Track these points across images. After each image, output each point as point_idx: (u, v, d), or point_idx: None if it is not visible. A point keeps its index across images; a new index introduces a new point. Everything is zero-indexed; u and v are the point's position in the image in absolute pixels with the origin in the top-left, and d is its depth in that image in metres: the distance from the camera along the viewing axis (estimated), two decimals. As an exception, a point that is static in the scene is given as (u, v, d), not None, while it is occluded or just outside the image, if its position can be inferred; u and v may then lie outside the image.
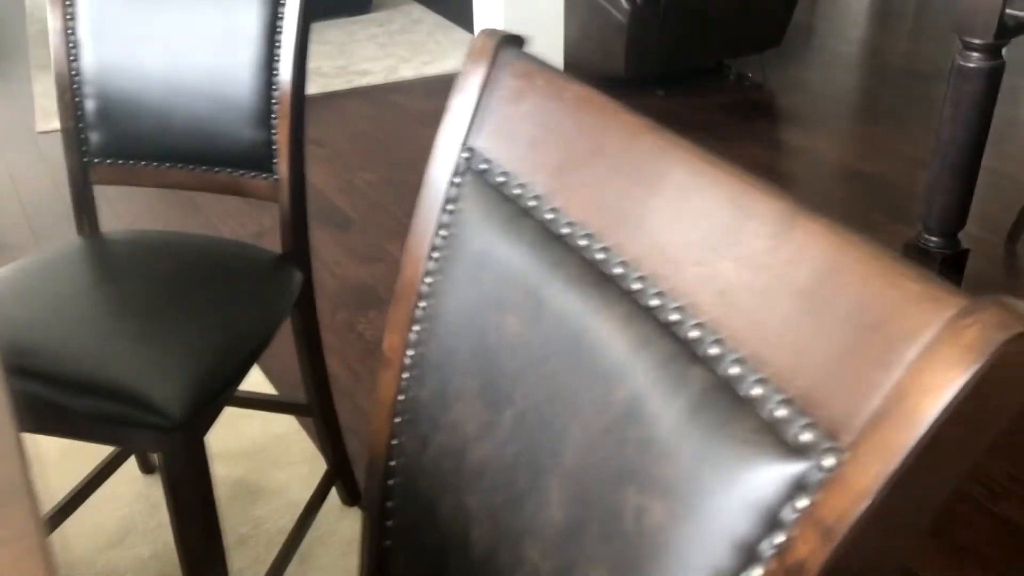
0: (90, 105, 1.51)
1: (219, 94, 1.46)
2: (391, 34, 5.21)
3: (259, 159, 1.48)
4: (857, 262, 0.41)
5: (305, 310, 1.57)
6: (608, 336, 0.52)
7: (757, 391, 0.43)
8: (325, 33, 5.24)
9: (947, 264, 2.37)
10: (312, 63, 4.72)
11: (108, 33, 1.48)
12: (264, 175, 1.48)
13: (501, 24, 3.43)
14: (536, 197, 0.62)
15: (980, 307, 0.33)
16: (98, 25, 1.48)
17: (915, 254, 2.43)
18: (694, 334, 0.48)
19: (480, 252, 0.63)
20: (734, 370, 0.45)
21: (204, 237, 1.56)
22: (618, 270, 0.55)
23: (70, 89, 1.50)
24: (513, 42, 0.66)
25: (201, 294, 1.38)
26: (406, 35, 5.19)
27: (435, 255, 0.68)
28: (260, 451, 1.98)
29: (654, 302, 0.51)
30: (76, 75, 1.50)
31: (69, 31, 1.49)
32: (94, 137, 1.52)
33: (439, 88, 4.26)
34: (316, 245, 2.87)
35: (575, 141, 0.61)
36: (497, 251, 0.62)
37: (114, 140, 1.52)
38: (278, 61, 1.43)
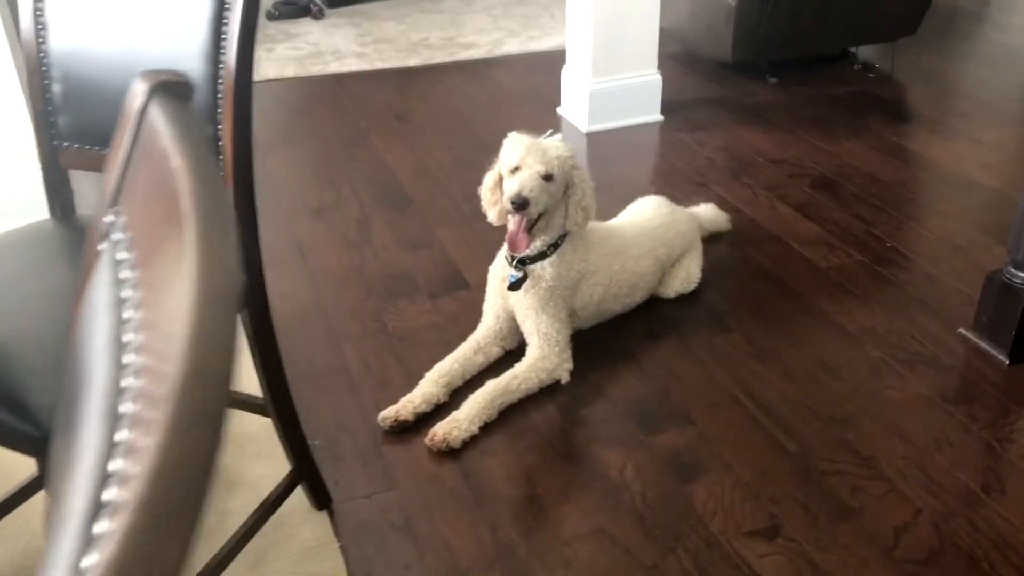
0: (57, 88, 1.49)
1: (170, 85, 1.40)
2: (507, 5, 5.09)
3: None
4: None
5: (256, 314, 1.51)
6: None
7: None
8: (443, 2, 5.19)
9: (1033, 305, 2.07)
10: (421, 34, 4.67)
11: (72, 16, 1.45)
12: (214, 171, 1.42)
13: (591, 6, 3.25)
14: (134, 287, 0.51)
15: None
16: (64, 7, 1.46)
17: (998, 289, 2.13)
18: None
19: (75, 344, 0.53)
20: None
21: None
22: (126, 408, 0.43)
23: (38, 71, 1.49)
24: (168, 90, 0.56)
25: (127, 293, 1.34)
26: (522, 8, 5.06)
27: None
28: (248, 440, 1.96)
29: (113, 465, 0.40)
30: (44, 57, 1.48)
31: (38, 12, 1.47)
32: (62, 121, 1.51)
33: (540, 65, 4.13)
34: (369, 227, 2.83)
35: (162, 235, 0.50)
36: (77, 348, 0.52)
37: (78, 125, 1.50)
38: (223, 53, 1.36)
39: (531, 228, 2.03)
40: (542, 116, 3.61)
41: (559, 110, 3.65)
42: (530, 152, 1.99)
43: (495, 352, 2.18)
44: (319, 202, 3.00)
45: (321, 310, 2.42)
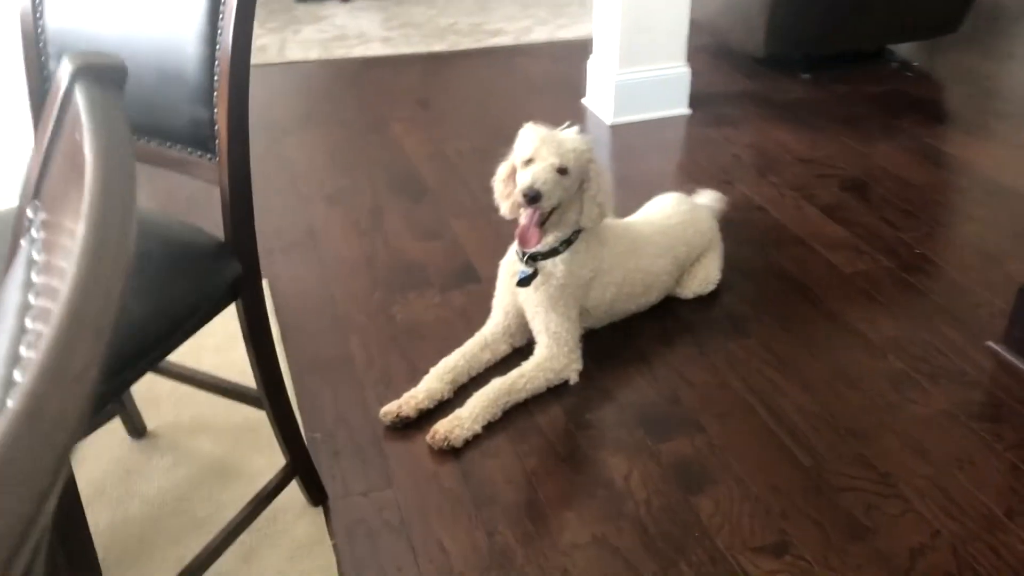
0: (54, 66, 1.45)
1: (166, 67, 1.36)
2: (537, -7, 5.01)
3: (203, 139, 1.37)
4: None
5: (250, 305, 1.46)
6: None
7: None
8: (473, -12, 5.11)
9: (1067, 320, 1.98)
10: (450, 19, 4.61)
11: (69, -8, 1.41)
12: (209, 156, 1.38)
13: (620, -7, 3.17)
14: (38, 295, 0.46)
15: None
16: (61, -17, 1.41)
17: (1030, 303, 2.04)
18: None
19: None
20: None
21: (154, 213, 1.48)
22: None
23: (35, 48, 1.45)
24: (96, 74, 0.50)
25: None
26: (553, -6, 4.97)
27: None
28: (250, 430, 1.92)
29: None
30: (41, 33, 1.44)
31: (35, -13, 1.42)
32: (57, 100, 1.46)
33: (567, 54, 4.05)
34: (383, 215, 2.78)
35: (68, 238, 0.44)
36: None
37: (74, 105, 1.46)
38: (220, 34, 1.31)
39: (543, 223, 1.96)
40: (566, 106, 3.54)
41: (583, 101, 3.57)
42: (545, 143, 1.93)
43: (503, 349, 2.12)
44: (334, 188, 2.95)
45: (329, 298, 2.37)
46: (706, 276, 2.32)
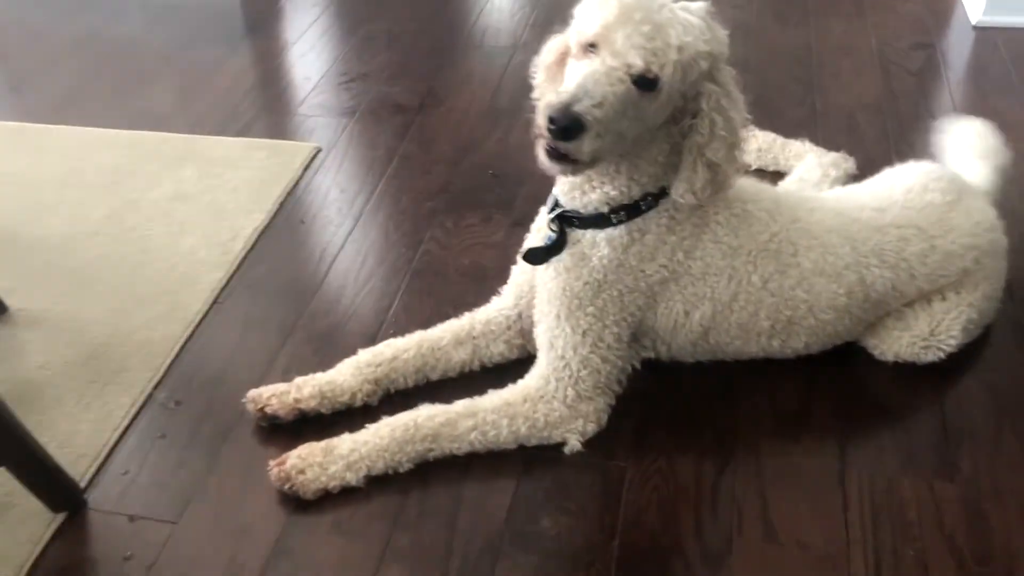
0: None
1: None
2: None
3: None
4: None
5: None
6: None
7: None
8: None
9: None
10: None
11: None
12: None
13: None
14: None
15: None
16: None
17: None
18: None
19: None
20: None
21: None
22: None
23: None
24: None
25: None
26: None
27: None
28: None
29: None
30: None
31: None
32: None
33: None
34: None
35: None
36: None
37: None
38: None
39: (575, 160, 1.03)
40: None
41: (955, -17, 2.30)
42: (625, 21, 0.97)
43: (498, 351, 1.27)
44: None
45: (367, 195, 1.66)
46: (934, 330, 1.21)
